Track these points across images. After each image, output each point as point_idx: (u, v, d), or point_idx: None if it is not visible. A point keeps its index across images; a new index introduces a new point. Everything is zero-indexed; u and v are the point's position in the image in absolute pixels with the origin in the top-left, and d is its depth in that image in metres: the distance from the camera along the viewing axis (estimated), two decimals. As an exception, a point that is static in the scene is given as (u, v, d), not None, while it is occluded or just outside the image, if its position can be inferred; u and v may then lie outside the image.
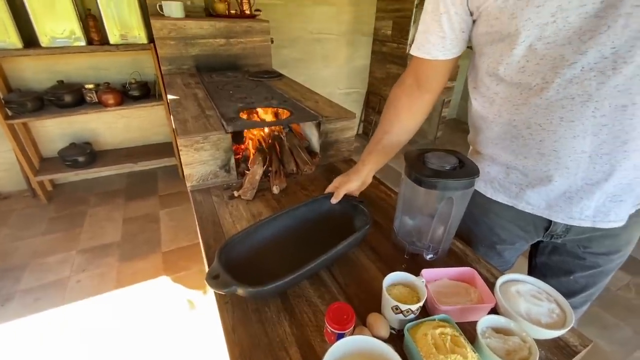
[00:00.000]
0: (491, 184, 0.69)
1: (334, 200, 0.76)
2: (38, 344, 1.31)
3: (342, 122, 1.09)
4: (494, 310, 0.55)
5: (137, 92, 2.17)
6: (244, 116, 1.08)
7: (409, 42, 2.67)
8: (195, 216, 0.83)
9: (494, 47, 0.55)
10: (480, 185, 0.71)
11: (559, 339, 0.53)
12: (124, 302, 1.51)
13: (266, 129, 1.17)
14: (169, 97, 1.32)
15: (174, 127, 1.09)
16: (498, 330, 0.50)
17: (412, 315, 0.52)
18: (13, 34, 1.73)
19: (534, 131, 0.56)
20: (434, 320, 0.50)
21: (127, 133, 2.48)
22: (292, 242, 0.71)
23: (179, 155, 1.09)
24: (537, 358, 0.44)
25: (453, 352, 0.45)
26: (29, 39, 1.84)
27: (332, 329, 0.49)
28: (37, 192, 2.13)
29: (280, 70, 1.91)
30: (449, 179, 0.57)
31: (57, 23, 1.79)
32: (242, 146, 1.13)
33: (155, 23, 1.73)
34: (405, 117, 0.74)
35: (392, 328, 0.54)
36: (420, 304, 0.51)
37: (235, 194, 0.90)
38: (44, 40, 1.81)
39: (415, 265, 0.67)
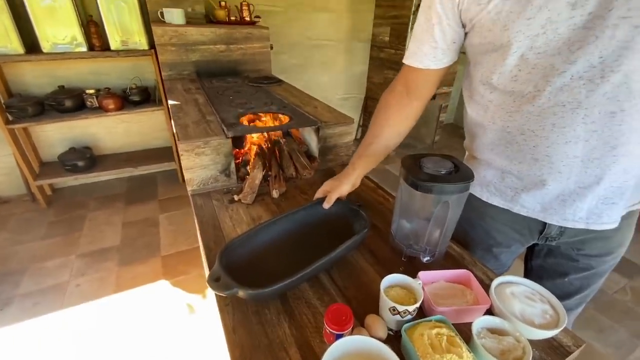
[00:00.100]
0: (487, 188, 0.71)
1: (326, 205, 0.76)
2: (37, 349, 1.31)
3: (341, 127, 1.11)
4: (489, 312, 0.56)
5: (138, 97, 2.18)
6: (244, 121, 1.09)
7: (406, 48, 2.69)
8: (195, 220, 0.84)
9: (488, 57, 0.58)
10: (477, 189, 0.73)
11: (552, 339, 0.54)
12: (123, 306, 1.51)
13: (266, 134, 1.19)
14: (170, 102, 1.33)
15: (175, 132, 1.10)
16: (493, 331, 0.51)
17: (409, 316, 0.53)
18: (15, 39, 1.75)
19: (527, 137, 0.58)
20: (431, 321, 0.51)
21: (127, 138, 2.49)
22: (292, 245, 0.71)
23: (179, 160, 1.10)
24: (531, 357, 0.45)
25: (449, 352, 0.46)
26: (31, 45, 1.86)
27: (331, 330, 0.50)
28: (37, 196, 2.13)
29: (280, 76, 1.94)
30: (445, 183, 0.58)
31: (58, 29, 1.81)
32: (242, 151, 1.14)
33: (156, 29, 1.76)
34: (395, 122, 0.76)
35: (389, 329, 0.55)
36: (417, 305, 0.52)
37: (236, 198, 0.91)
38: (45, 46, 1.82)
39: (412, 268, 0.68)
